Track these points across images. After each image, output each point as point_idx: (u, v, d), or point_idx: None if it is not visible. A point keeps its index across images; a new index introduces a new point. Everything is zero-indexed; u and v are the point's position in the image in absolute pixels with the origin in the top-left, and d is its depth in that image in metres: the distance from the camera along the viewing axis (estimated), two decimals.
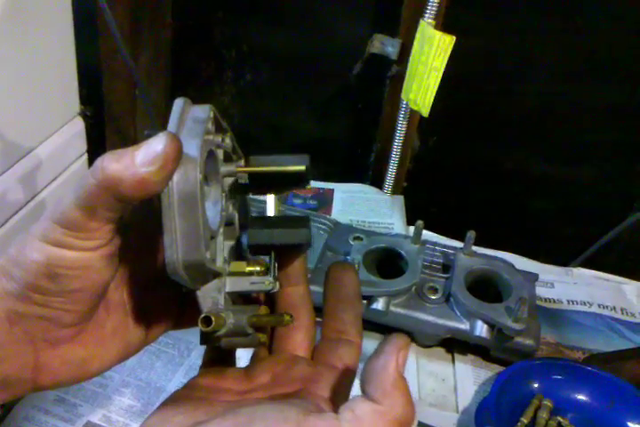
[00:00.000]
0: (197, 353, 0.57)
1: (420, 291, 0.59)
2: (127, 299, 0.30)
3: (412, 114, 0.77)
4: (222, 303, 0.27)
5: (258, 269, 0.29)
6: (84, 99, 0.68)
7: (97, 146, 0.73)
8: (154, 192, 0.24)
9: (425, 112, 0.69)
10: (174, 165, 0.23)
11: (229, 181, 0.30)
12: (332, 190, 0.82)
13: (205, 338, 0.30)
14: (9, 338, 0.26)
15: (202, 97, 0.91)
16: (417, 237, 0.61)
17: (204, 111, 0.27)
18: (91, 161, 0.69)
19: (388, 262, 0.62)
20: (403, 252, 0.61)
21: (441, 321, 0.57)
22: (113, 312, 0.29)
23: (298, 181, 0.30)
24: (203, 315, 0.26)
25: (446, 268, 0.62)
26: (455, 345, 0.60)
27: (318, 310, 0.33)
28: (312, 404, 0.26)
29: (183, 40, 0.87)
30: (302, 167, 0.29)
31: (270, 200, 0.32)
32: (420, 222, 0.61)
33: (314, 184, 0.83)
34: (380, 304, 0.57)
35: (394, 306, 0.58)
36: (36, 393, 0.51)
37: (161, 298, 0.31)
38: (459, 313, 0.57)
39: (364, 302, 0.57)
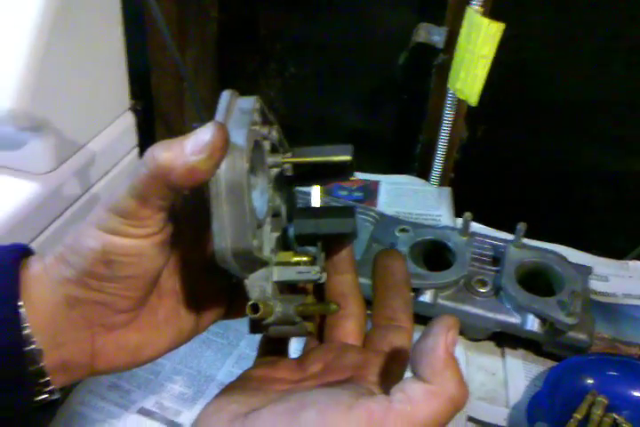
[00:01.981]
0: (246, 342, 0.57)
1: (469, 284, 0.58)
2: (179, 287, 0.31)
3: (460, 103, 0.76)
4: (270, 292, 0.28)
5: (305, 259, 0.29)
6: (134, 93, 0.69)
7: (147, 140, 0.75)
8: (202, 180, 0.24)
9: (473, 101, 0.68)
10: (222, 153, 0.24)
11: (276, 172, 0.30)
12: (378, 182, 0.82)
13: (254, 326, 0.30)
14: (68, 324, 0.27)
15: (247, 90, 0.92)
16: (465, 230, 0.60)
17: (250, 102, 0.28)
18: (141, 155, 0.70)
19: (435, 255, 0.61)
20: (450, 244, 0.60)
21: (490, 315, 0.56)
22: (165, 300, 0.30)
23: (342, 171, 0.30)
24: (251, 302, 0.26)
25: (496, 260, 0.61)
26: (505, 339, 0.58)
27: (366, 302, 0.33)
28: (363, 388, 0.26)
29: (228, 34, 0.88)
30: (347, 157, 0.29)
31: (315, 191, 0.33)
32: (468, 214, 0.60)
33: (359, 176, 0.82)
34: (427, 297, 0.56)
35: (442, 299, 0.57)
36: (92, 379, 0.53)
37: (212, 287, 0.31)
38: (509, 307, 0.56)
39: (411, 294, 0.56)
